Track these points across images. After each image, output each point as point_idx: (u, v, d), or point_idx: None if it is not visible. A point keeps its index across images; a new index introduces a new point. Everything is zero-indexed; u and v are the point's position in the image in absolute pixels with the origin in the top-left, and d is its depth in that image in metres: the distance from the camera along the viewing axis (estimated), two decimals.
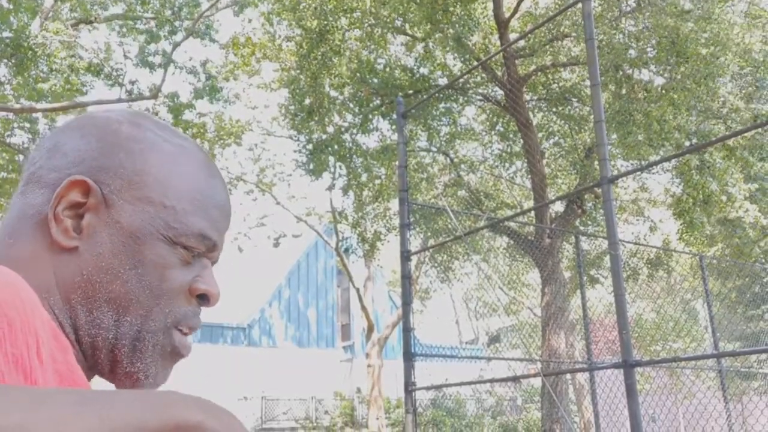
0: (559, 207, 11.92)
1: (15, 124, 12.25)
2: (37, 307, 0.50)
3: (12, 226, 0.61)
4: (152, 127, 0.66)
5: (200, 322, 0.67)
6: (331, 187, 14.40)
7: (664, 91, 9.13)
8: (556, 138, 12.40)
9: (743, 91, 9.56)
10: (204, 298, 0.66)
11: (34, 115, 11.95)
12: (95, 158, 0.62)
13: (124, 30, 12.50)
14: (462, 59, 11.01)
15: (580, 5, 4.57)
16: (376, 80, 11.37)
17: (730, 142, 9.14)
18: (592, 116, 6.27)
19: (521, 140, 10.84)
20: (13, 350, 0.44)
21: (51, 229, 0.59)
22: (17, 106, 10.87)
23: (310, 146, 12.65)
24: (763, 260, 10.98)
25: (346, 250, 17.07)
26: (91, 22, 11.52)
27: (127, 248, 0.60)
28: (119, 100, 11.46)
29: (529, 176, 11.04)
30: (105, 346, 0.59)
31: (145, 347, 0.61)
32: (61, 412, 0.35)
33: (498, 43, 10.49)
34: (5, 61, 10.03)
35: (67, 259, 0.59)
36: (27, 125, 12.41)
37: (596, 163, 9.47)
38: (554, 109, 11.74)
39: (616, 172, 9.65)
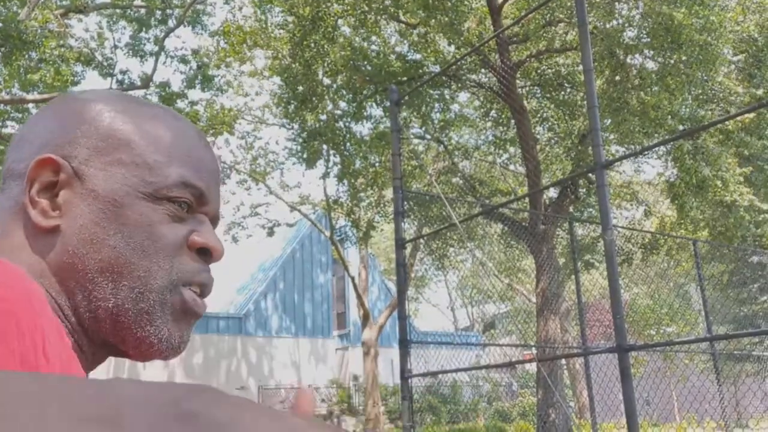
0: (553, 193, 11.94)
1: (6, 116, 12.15)
2: (44, 304, 0.50)
3: None
4: (121, 96, 0.66)
5: (210, 278, 0.64)
6: (325, 175, 14.37)
7: (658, 77, 9.13)
8: (550, 124, 12.40)
9: (741, 75, 9.58)
10: (206, 253, 0.64)
11: (25, 105, 11.84)
12: (59, 135, 0.61)
13: (114, 18, 12.38)
14: (456, 45, 10.97)
15: None
16: (369, 67, 11.31)
17: (728, 125, 9.17)
18: (585, 102, 6.26)
19: (515, 126, 10.83)
20: (20, 348, 0.43)
21: (29, 214, 0.58)
22: (7, 97, 10.77)
23: (303, 134, 12.61)
24: (757, 245, 11.05)
25: (341, 239, 17.07)
26: (80, 11, 11.39)
27: (107, 214, 0.58)
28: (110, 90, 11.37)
29: (523, 162, 11.04)
30: (108, 316, 0.58)
31: (151, 308, 0.59)
32: None
33: (491, 29, 10.45)
34: None
35: (52, 239, 0.58)
36: (18, 116, 12.32)
37: (590, 148, 9.48)
38: (548, 95, 11.73)
39: (610, 158, 9.67)
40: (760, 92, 9.29)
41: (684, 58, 8.61)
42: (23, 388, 0.28)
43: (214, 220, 0.67)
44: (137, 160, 0.61)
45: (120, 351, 0.62)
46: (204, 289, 0.64)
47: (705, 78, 8.81)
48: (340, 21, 11.35)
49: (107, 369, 17.79)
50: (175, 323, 0.61)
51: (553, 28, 10.18)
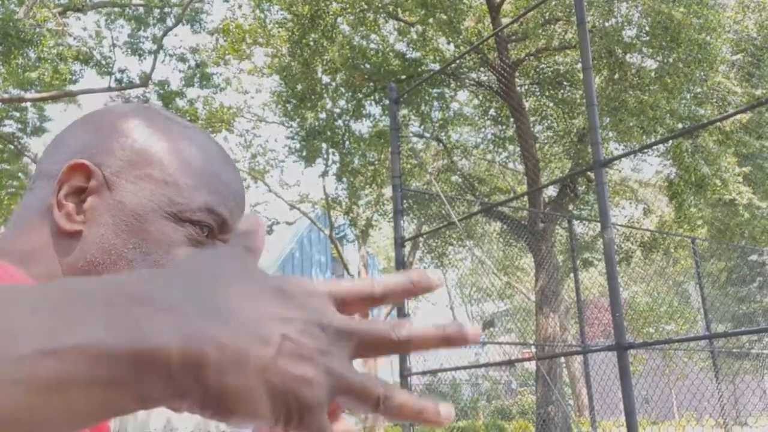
0: (552, 191, 11.94)
1: (4, 115, 12.13)
2: None
3: (20, 220, 0.61)
4: (156, 113, 0.66)
5: None
6: (324, 174, 14.36)
7: (657, 76, 9.13)
8: (549, 122, 12.40)
9: (740, 74, 9.58)
10: None
11: (23, 104, 11.83)
12: (95, 144, 0.62)
13: (112, 17, 12.36)
14: (455, 44, 10.96)
15: None
16: (368, 66, 11.30)
17: (726, 126, 9.18)
18: (584, 100, 6.27)
19: (514, 125, 10.83)
20: None
21: (54, 215, 0.59)
22: (6, 95, 10.75)
23: (302, 133, 12.59)
24: (756, 242, 11.06)
25: (340, 237, 17.07)
26: (79, 9, 11.37)
27: (130, 227, 0.59)
28: (109, 89, 11.36)
29: (522, 161, 11.04)
30: None
31: None
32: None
33: (490, 27, 10.44)
34: None
35: (72, 244, 0.58)
36: (17, 114, 12.30)
37: (589, 147, 9.48)
38: (547, 94, 11.72)
39: (609, 156, 9.66)
40: (758, 92, 9.30)
41: (683, 56, 8.61)
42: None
43: None
44: (168, 179, 0.61)
45: None
46: None
47: (704, 77, 8.81)
48: (339, 19, 11.34)
49: None
50: None
51: (552, 26, 10.18)
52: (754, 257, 11.29)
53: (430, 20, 10.24)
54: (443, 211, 10.83)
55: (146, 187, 0.60)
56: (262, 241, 0.37)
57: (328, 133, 12.26)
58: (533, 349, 10.93)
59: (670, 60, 8.88)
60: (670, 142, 9.42)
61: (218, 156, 0.66)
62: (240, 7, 13.97)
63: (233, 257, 0.34)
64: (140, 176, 0.60)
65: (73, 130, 0.64)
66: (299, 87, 11.79)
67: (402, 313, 5.61)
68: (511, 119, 11.14)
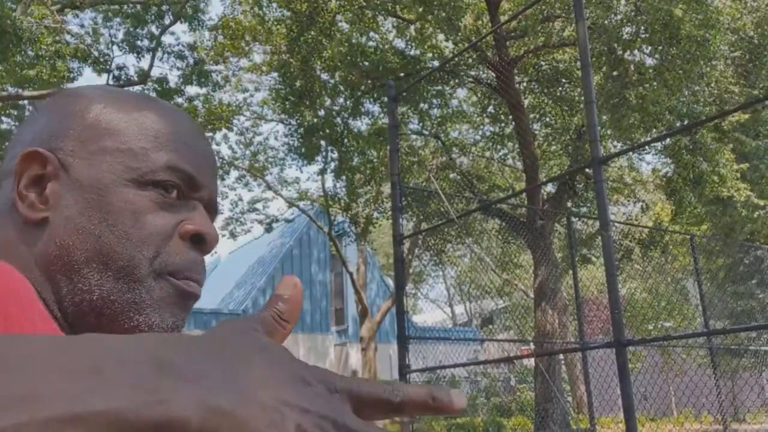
0: (551, 188, 11.95)
1: (2, 113, 12.11)
2: (34, 301, 0.50)
3: None
4: (110, 90, 0.65)
5: (202, 270, 0.62)
6: (323, 171, 14.35)
7: (656, 73, 9.13)
8: (548, 119, 12.40)
9: (737, 72, 9.58)
10: (198, 241, 0.62)
11: (21, 102, 11.81)
12: (47, 130, 0.61)
13: (110, 14, 12.33)
14: (453, 41, 10.95)
15: None
16: (367, 63, 11.29)
17: (723, 124, 9.19)
18: (583, 97, 6.27)
19: (513, 122, 10.83)
20: None
21: (18, 208, 0.58)
22: (4, 93, 10.73)
23: (301, 130, 12.59)
24: (753, 240, 11.07)
25: (339, 235, 17.07)
26: (76, 7, 11.35)
27: (91, 203, 0.58)
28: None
29: (521, 158, 11.05)
30: (92, 309, 0.57)
31: (138, 297, 0.58)
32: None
33: (489, 24, 10.44)
34: None
35: (41, 232, 0.58)
36: (14, 112, 12.28)
37: (588, 144, 9.49)
38: (546, 91, 11.72)
39: (608, 153, 9.67)
40: (756, 92, 9.30)
41: (681, 53, 8.61)
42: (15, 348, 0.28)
43: (210, 206, 0.65)
44: (122, 147, 0.60)
45: None
46: (197, 281, 0.62)
47: (702, 73, 8.82)
48: (337, 16, 11.32)
49: None
50: (167, 308, 0.59)
51: (551, 23, 10.17)
52: (757, 253, 11.29)
53: (429, 17, 10.23)
54: (442, 209, 10.84)
55: (101, 159, 0.59)
56: (298, 307, 0.40)
57: (327, 131, 12.26)
58: (532, 346, 10.95)
59: (669, 57, 8.88)
60: (669, 139, 9.43)
61: (179, 120, 0.64)
62: (240, 2, 13.95)
63: (260, 332, 0.35)
64: (94, 151, 0.60)
65: (27, 123, 0.64)
66: (298, 84, 11.78)
67: (401, 312, 5.61)
68: (510, 116, 11.14)
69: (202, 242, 0.62)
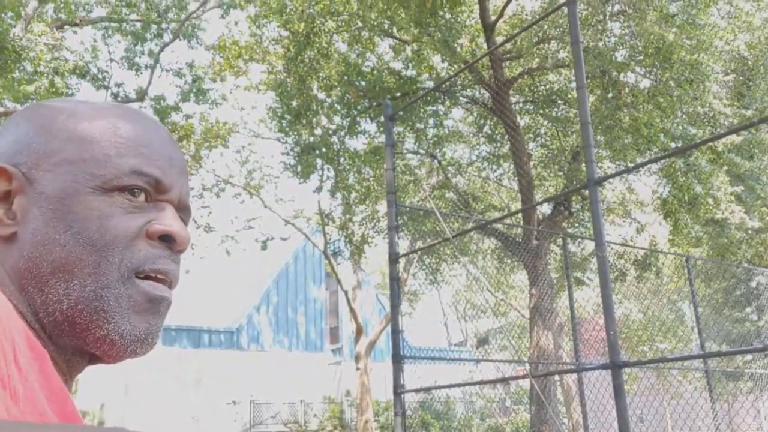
0: (546, 209, 11.98)
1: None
2: (13, 315, 0.49)
3: None
4: (77, 102, 0.65)
5: (173, 265, 0.62)
6: (318, 189, 14.36)
7: (650, 95, 9.21)
8: (543, 140, 12.47)
9: (730, 93, 9.67)
10: (168, 240, 0.62)
11: None
12: (12, 146, 0.62)
13: (109, 32, 12.42)
14: (449, 62, 11.05)
15: (565, 9, 4.62)
16: (363, 83, 11.37)
17: (718, 146, 9.25)
18: (578, 119, 6.31)
19: (508, 142, 10.88)
20: None
21: None
22: (1, 109, 10.75)
23: (297, 148, 12.62)
24: (748, 262, 11.09)
25: (335, 253, 17.03)
26: (75, 24, 11.42)
27: (57, 213, 0.58)
28: None
29: (517, 178, 11.09)
30: (64, 319, 0.57)
31: (106, 305, 0.57)
32: None
33: (485, 46, 10.54)
34: None
35: (11, 248, 0.58)
36: None
37: (583, 165, 9.53)
38: (541, 112, 11.81)
39: (603, 174, 9.71)
40: (749, 113, 9.38)
41: (674, 76, 8.70)
42: None
43: (182, 208, 0.66)
44: (85, 155, 0.60)
45: (91, 355, 0.61)
46: (167, 276, 0.62)
47: (695, 96, 8.90)
48: (334, 37, 11.42)
49: (101, 388, 17.60)
50: (138, 315, 0.59)
51: (546, 45, 10.28)
52: (759, 278, 11.30)
53: (425, 39, 10.33)
54: (438, 228, 10.84)
55: (65, 170, 0.60)
56: None
57: (323, 149, 12.30)
58: (527, 367, 10.89)
59: (663, 80, 8.97)
60: (663, 160, 9.49)
61: (146, 126, 0.65)
62: (236, 23, 14.07)
63: None
64: (58, 162, 0.60)
65: None
66: (295, 103, 11.84)
67: (396, 331, 5.58)
68: (506, 137, 11.20)
69: (171, 241, 0.62)
